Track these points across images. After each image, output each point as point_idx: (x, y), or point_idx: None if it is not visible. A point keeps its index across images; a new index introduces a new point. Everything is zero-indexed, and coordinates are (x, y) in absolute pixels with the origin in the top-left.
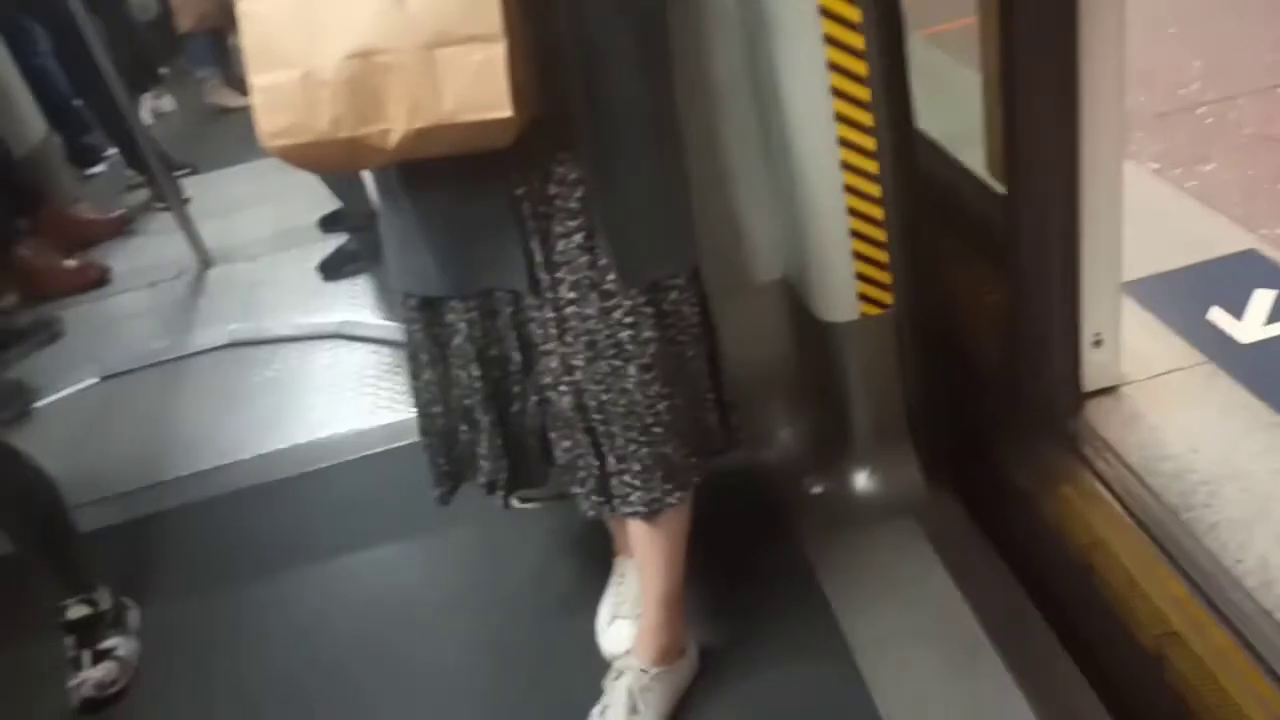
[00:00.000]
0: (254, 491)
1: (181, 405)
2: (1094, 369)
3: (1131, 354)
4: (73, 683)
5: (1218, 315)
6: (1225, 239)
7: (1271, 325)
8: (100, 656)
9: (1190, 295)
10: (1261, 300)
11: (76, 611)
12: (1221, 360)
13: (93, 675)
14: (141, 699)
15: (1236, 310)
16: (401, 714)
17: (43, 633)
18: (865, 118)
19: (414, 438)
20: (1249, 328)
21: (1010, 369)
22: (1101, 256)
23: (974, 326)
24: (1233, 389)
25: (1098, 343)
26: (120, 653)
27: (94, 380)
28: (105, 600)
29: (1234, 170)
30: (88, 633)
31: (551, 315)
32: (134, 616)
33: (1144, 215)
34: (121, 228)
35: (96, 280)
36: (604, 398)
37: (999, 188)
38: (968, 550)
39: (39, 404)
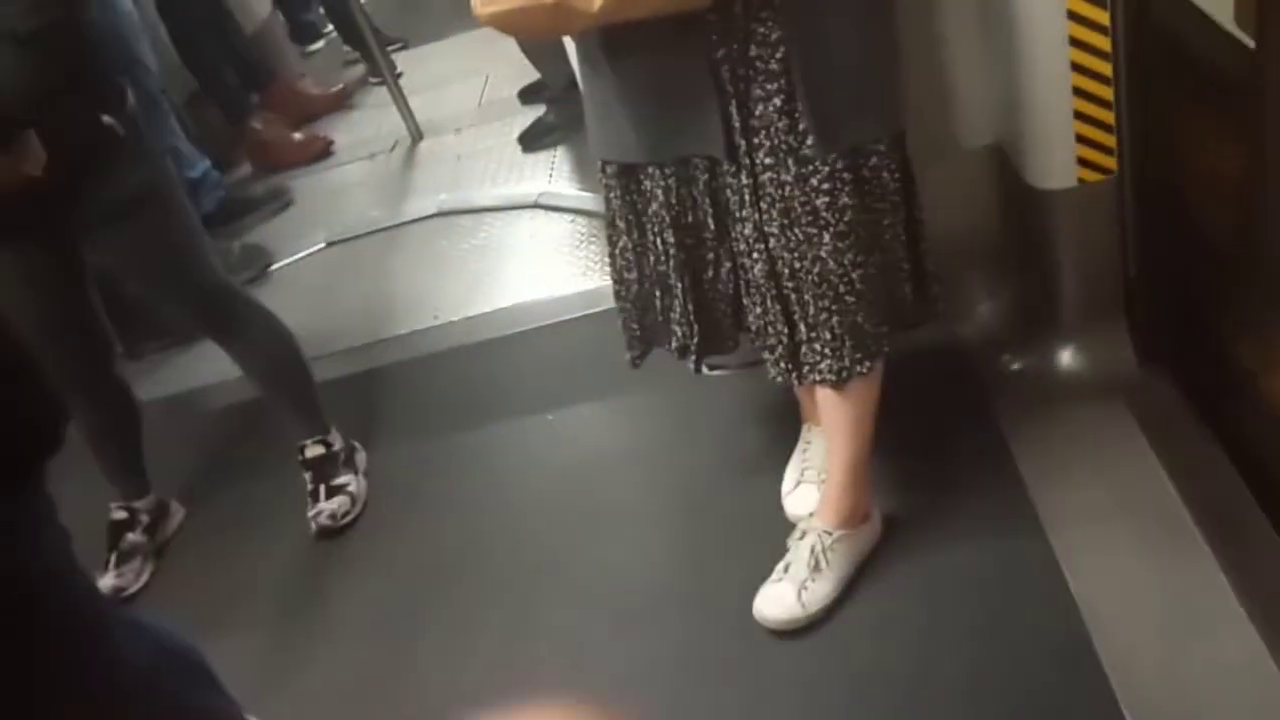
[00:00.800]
0: (464, 350)
1: (398, 269)
2: None
3: None
4: (311, 513)
5: None
6: None
7: None
8: (334, 491)
9: None
10: None
11: (313, 450)
12: None
13: (328, 507)
14: (370, 529)
15: None
16: (598, 554)
17: (285, 469)
18: None
19: (609, 304)
20: None
21: (1246, 241)
22: None
23: (1205, 194)
24: None
25: None
26: (351, 489)
27: (321, 245)
28: (338, 442)
29: None
30: (323, 470)
31: (747, 182)
32: (362, 458)
33: None
34: (342, 102)
35: (322, 152)
36: (797, 265)
37: (1247, 40)
38: (1180, 433)
39: (274, 266)
